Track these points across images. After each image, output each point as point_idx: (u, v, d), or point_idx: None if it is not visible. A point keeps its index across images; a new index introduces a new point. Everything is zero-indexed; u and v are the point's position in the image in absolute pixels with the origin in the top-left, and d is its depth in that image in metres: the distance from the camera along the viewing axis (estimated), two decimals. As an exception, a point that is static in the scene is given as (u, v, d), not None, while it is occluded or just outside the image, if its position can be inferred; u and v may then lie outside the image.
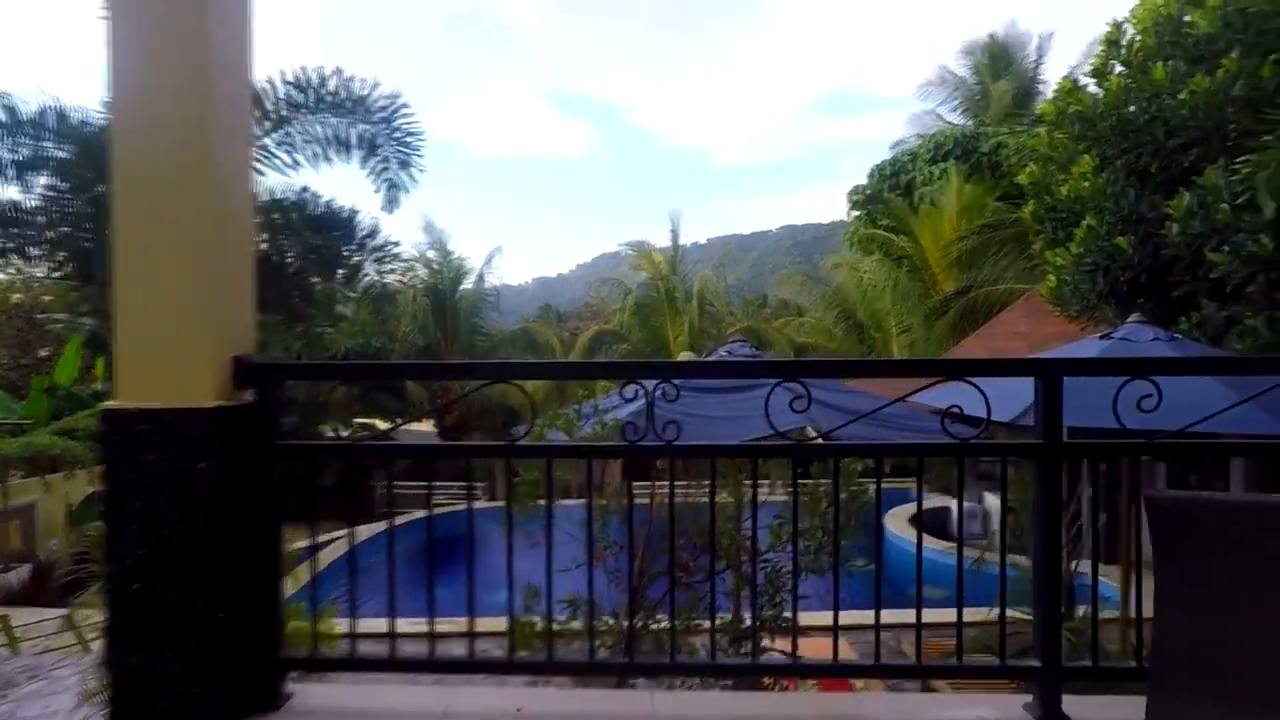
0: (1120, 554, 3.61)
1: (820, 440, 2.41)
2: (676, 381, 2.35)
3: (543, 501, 2.31)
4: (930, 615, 2.27)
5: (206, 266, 2.11)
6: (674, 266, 24.55)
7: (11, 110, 10.94)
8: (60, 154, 11.23)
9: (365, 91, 11.90)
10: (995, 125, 22.52)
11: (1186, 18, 7.92)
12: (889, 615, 2.24)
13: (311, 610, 2.35)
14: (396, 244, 14.68)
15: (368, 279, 15.63)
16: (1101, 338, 5.44)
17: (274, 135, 11.70)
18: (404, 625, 2.35)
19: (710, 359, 6.67)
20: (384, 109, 11.98)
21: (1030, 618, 2.19)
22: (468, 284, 22.76)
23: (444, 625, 2.38)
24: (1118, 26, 8.77)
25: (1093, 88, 8.93)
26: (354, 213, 13.44)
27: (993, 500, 12.34)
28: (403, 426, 20.77)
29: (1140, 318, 5.51)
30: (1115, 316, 8.62)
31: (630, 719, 2.24)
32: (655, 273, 23.80)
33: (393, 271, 16.61)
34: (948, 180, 19.91)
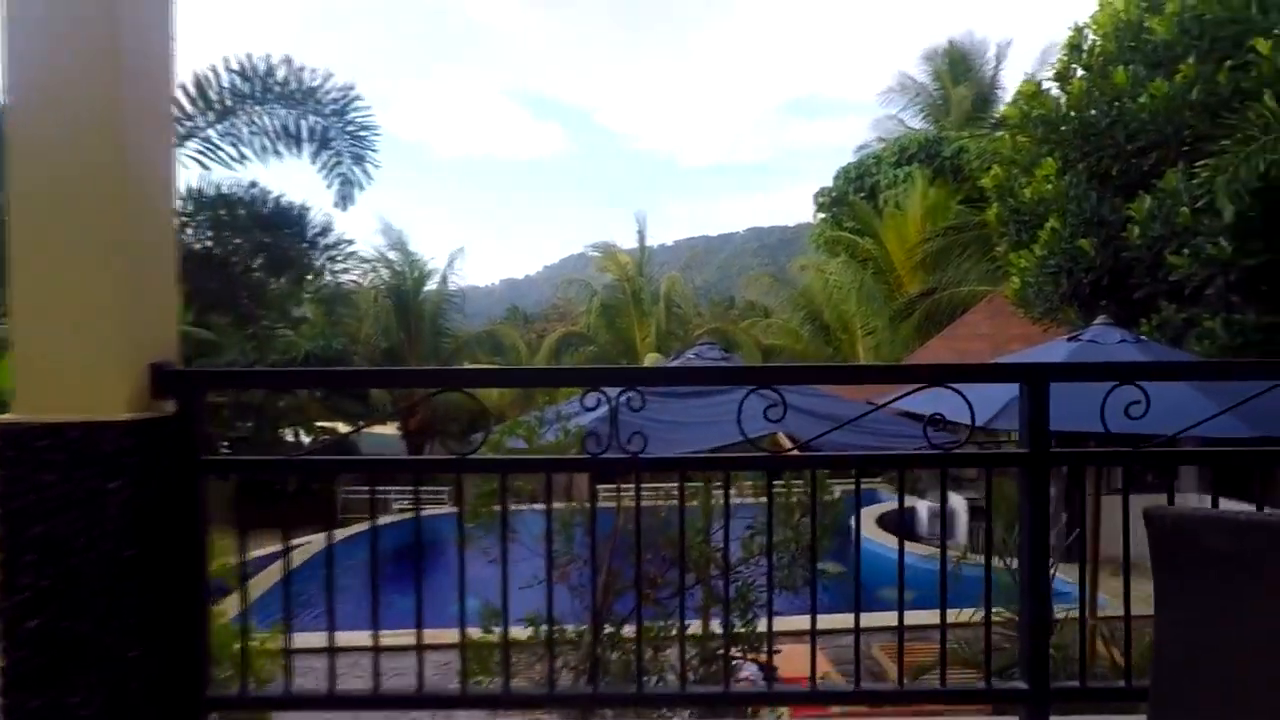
0: (1081, 556, 3.56)
1: (796, 451, 2.27)
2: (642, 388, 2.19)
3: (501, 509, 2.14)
4: (905, 618, 2.14)
5: (119, 265, 1.89)
6: (640, 268, 24.44)
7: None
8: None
9: (316, 82, 11.38)
10: (956, 130, 22.83)
11: (1146, 23, 8.02)
12: (864, 619, 2.11)
13: (241, 642, 2.13)
14: (350, 242, 14.24)
15: (322, 279, 15.14)
16: (1069, 339, 5.42)
17: (218, 127, 11.11)
18: (348, 638, 2.15)
19: (680, 364, 6.51)
20: (336, 101, 11.43)
21: (1013, 616, 2.08)
22: (431, 285, 22.35)
23: (395, 639, 2.20)
24: (1079, 31, 8.87)
25: (1055, 91, 9.01)
26: (305, 209, 12.96)
27: (957, 499, 12.41)
28: (366, 430, 20.28)
29: (1107, 319, 5.50)
30: (1078, 318, 8.71)
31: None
32: (621, 274, 23.66)
33: (347, 271, 16.10)
34: (912, 183, 20.12)
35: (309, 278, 14.51)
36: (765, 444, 2.34)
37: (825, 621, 2.23)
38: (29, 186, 1.88)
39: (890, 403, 2.23)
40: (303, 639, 2.20)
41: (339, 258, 14.06)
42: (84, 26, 1.87)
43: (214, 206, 11.51)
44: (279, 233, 12.32)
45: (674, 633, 2.43)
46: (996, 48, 25.83)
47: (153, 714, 1.91)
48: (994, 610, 2.18)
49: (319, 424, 18.02)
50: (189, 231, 12.34)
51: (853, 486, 2.21)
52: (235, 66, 11.06)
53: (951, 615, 2.14)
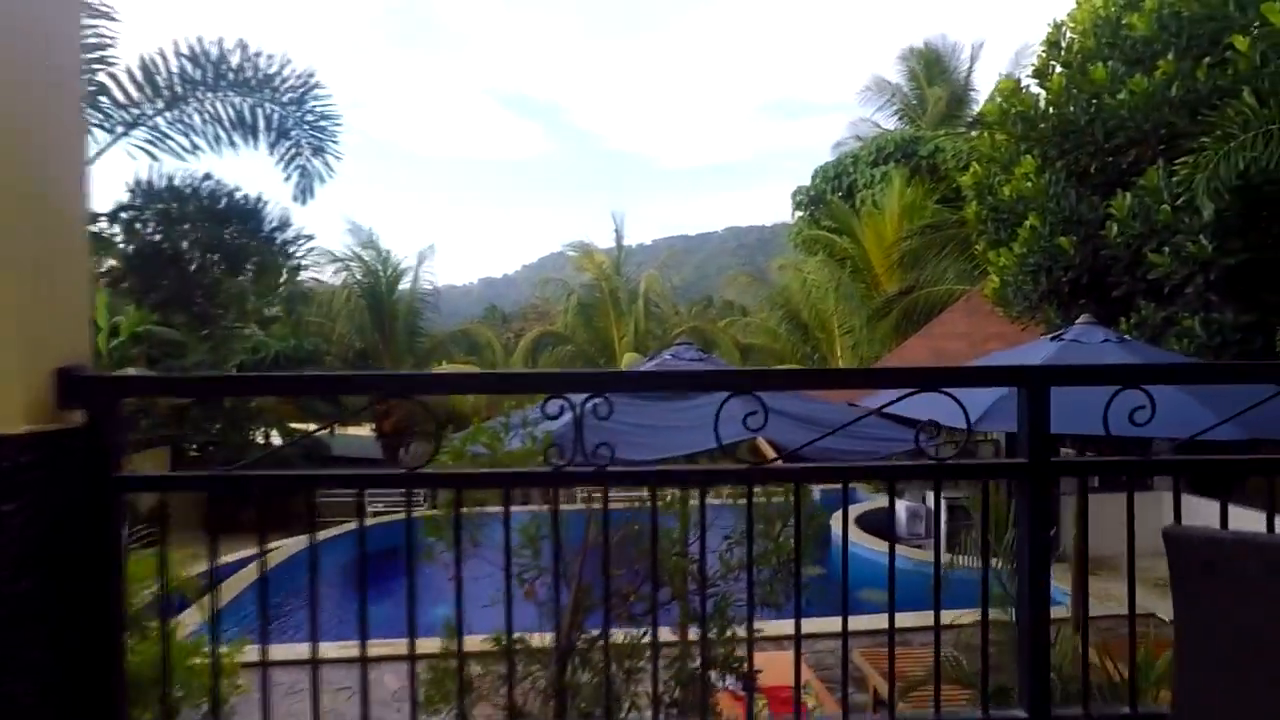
0: (1076, 566, 3.44)
1: (779, 462, 2.10)
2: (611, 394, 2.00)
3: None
4: (880, 621, 2.00)
5: (13, 261, 1.67)
6: (618, 267, 24.23)
7: None
8: None
9: (273, 69, 10.81)
10: (931, 129, 22.90)
11: (1125, 20, 7.98)
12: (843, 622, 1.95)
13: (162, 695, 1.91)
14: (310, 237, 13.74)
15: (293, 277, 14.66)
16: (1053, 339, 5.33)
17: (167, 115, 10.56)
18: (295, 651, 1.95)
19: (656, 364, 6.32)
20: (295, 89, 10.90)
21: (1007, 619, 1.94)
22: (405, 284, 21.96)
23: (344, 651, 1.99)
24: (1058, 28, 8.82)
25: (1035, 88, 8.96)
26: (261, 203, 12.42)
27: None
28: (340, 431, 19.82)
29: (1089, 318, 5.42)
30: (1057, 317, 8.66)
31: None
32: (599, 273, 23.43)
33: (308, 268, 15.58)
34: (889, 183, 20.11)
35: (276, 275, 14.01)
36: (746, 449, 2.17)
37: (805, 625, 2.06)
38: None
39: (881, 409, 2.07)
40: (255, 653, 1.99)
41: (298, 254, 13.54)
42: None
43: (162, 199, 10.96)
44: (233, 227, 11.81)
45: (649, 655, 2.26)
46: (970, 49, 25.94)
47: (56, 769, 1.69)
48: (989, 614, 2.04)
49: (293, 425, 17.56)
50: (136, 226, 11.86)
51: (833, 488, 2.06)
52: (185, 51, 10.52)
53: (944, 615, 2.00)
